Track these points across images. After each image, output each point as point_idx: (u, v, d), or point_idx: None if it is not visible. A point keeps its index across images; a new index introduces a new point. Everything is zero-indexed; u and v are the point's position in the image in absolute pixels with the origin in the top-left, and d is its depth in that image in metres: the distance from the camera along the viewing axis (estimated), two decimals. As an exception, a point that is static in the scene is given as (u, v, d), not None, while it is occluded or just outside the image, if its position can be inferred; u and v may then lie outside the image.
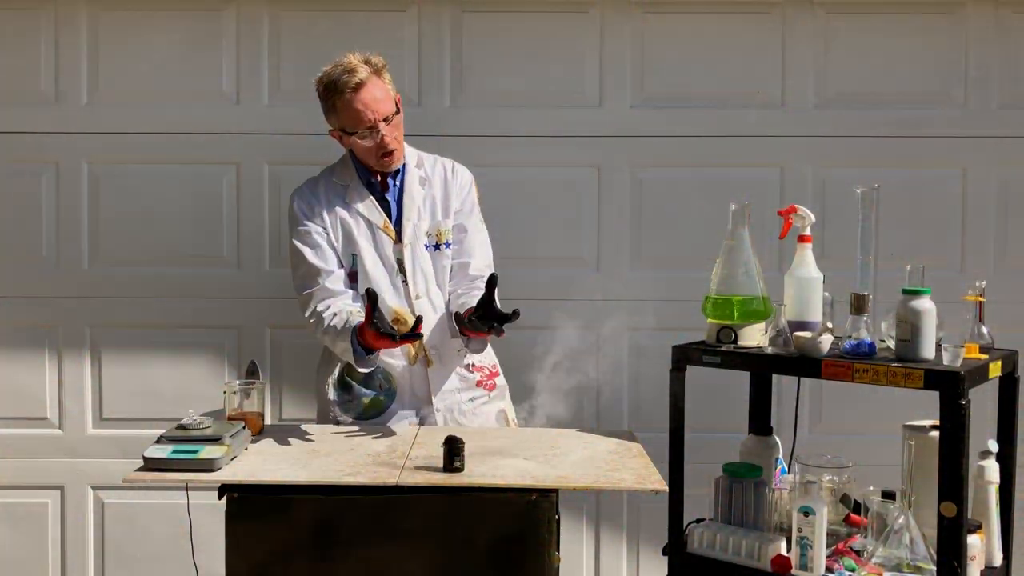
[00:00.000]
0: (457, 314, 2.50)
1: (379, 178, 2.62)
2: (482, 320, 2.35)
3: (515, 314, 2.32)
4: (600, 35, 3.37)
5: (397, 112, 2.54)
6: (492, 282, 2.36)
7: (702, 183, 3.36)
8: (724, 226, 2.40)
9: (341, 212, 2.60)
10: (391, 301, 2.57)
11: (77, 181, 3.35)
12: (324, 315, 2.50)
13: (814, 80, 3.37)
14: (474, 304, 2.44)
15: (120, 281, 3.36)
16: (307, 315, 2.55)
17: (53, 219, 3.36)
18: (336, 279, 2.56)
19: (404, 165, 2.65)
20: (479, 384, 2.69)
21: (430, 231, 2.63)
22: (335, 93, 2.48)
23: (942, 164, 3.38)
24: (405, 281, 2.59)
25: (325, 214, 2.59)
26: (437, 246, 2.64)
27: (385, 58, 2.56)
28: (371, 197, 2.61)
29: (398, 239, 2.60)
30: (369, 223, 2.60)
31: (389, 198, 2.63)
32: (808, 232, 2.36)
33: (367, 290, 2.30)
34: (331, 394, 2.62)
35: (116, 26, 3.33)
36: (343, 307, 2.51)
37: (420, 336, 2.31)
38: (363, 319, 2.34)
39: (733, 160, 3.37)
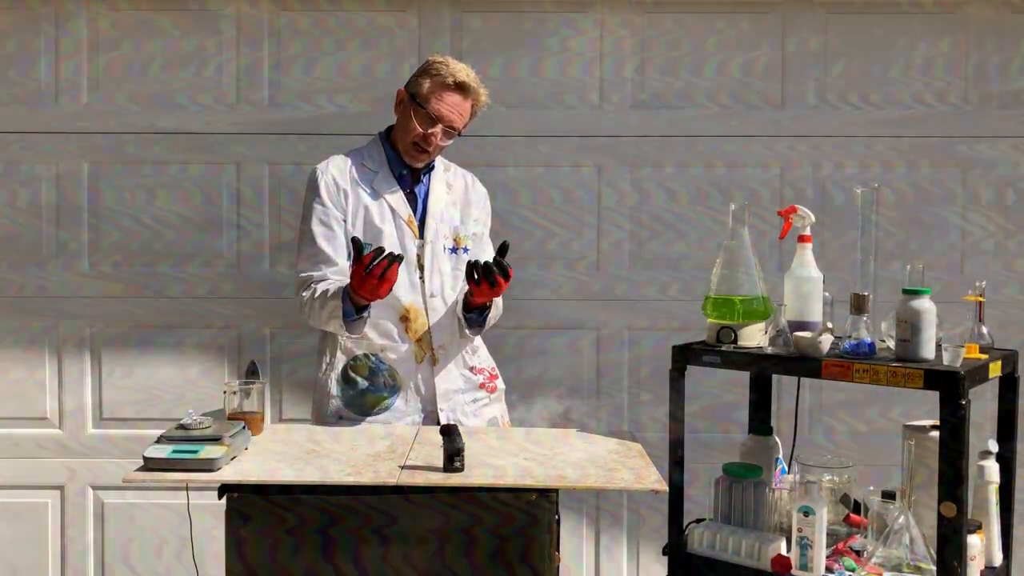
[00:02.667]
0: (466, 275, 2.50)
1: (409, 171, 2.64)
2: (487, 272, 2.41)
3: (504, 245, 2.45)
4: (600, 35, 3.37)
5: (458, 134, 2.60)
6: (504, 247, 2.44)
7: (702, 183, 3.36)
8: (724, 226, 2.40)
9: (366, 198, 2.59)
10: (406, 296, 2.57)
11: (77, 181, 3.35)
12: (318, 286, 2.52)
13: (814, 80, 3.38)
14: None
15: (120, 281, 3.36)
16: (302, 295, 2.55)
17: (53, 219, 3.36)
18: (339, 272, 2.55)
19: (433, 166, 2.69)
20: (482, 386, 2.70)
21: (449, 234, 2.66)
22: (440, 72, 2.55)
23: (942, 164, 3.38)
24: (422, 278, 2.60)
25: (349, 197, 2.59)
26: (455, 249, 2.66)
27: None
28: (400, 189, 2.62)
29: (420, 236, 2.61)
30: (395, 213, 2.60)
31: (417, 192, 2.65)
32: (808, 232, 2.36)
33: (352, 238, 2.37)
34: (334, 389, 2.62)
35: (116, 26, 3.34)
36: (338, 280, 2.54)
37: (400, 258, 2.32)
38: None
39: (733, 160, 3.37)
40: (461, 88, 2.55)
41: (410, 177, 2.64)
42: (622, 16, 3.37)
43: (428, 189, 2.66)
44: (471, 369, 2.69)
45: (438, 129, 2.54)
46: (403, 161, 2.62)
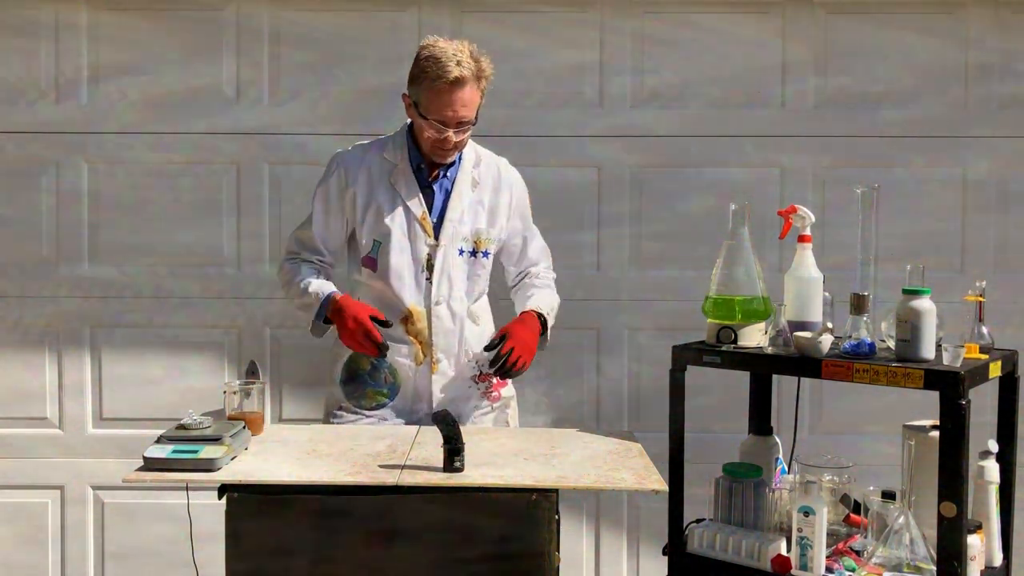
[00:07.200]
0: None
1: (429, 166, 2.55)
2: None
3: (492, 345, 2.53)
4: (600, 35, 3.37)
5: (474, 123, 2.48)
6: (492, 347, 2.53)
7: (702, 183, 3.36)
8: (724, 226, 2.40)
9: (380, 192, 2.54)
10: (409, 297, 2.54)
11: (77, 181, 3.35)
12: (303, 268, 2.60)
13: (814, 80, 3.38)
14: (526, 306, 2.62)
15: (120, 281, 3.36)
16: (285, 264, 2.65)
17: (53, 219, 3.36)
18: (323, 261, 2.65)
19: (460, 162, 2.59)
20: (484, 394, 2.66)
21: (468, 236, 2.58)
22: (431, 74, 2.40)
23: (942, 164, 3.38)
24: (429, 280, 2.55)
25: (360, 192, 2.54)
26: (474, 252, 2.59)
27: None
28: (416, 184, 2.55)
29: (435, 237, 2.55)
30: (407, 211, 2.54)
31: (435, 189, 2.57)
32: (808, 232, 2.36)
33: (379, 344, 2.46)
34: (338, 380, 2.62)
35: (116, 26, 3.34)
36: (323, 271, 2.64)
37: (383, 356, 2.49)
38: (345, 294, 2.51)
39: (733, 160, 3.37)
40: (459, 83, 2.40)
41: (428, 170, 2.55)
42: (622, 16, 3.36)
43: (452, 186, 2.57)
44: (475, 378, 2.63)
45: (450, 132, 2.45)
46: (423, 154, 2.54)
